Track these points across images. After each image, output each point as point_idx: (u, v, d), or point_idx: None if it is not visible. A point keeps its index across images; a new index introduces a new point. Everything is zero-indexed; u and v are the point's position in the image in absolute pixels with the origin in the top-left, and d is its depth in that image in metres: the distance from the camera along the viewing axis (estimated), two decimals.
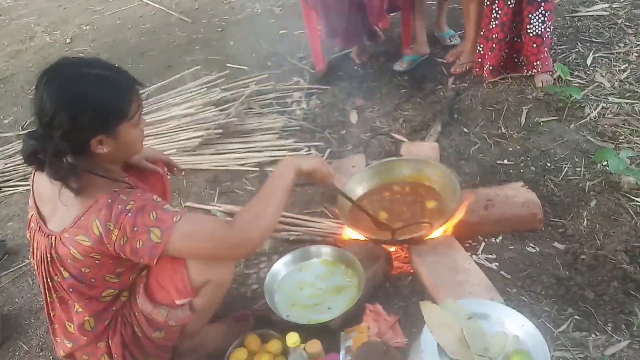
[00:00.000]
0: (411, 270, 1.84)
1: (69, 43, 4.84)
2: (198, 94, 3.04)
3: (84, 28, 5.11)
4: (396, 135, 2.54)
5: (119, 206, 1.21)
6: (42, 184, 1.33)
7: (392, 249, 1.91)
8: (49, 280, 1.35)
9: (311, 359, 1.49)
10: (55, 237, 1.27)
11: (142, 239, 1.21)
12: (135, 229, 1.20)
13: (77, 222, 1.24)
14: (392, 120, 2.73)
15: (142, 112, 1.32)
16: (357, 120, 2.79)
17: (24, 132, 3.34)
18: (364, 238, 1.89)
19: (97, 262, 1.26)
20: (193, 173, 2.62)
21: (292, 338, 1.52)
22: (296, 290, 1.78)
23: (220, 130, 2.73)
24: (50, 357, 1.86)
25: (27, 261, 2.33)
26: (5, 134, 3.44)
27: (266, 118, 2.88)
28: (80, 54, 4.47)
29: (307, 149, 2.61)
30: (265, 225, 1.33)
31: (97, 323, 1.39)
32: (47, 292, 1.38)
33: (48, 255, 1.29)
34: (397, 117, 2.76)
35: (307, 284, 1.80)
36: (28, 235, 1.41)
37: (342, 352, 1.53)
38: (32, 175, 1.40)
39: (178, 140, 2.70)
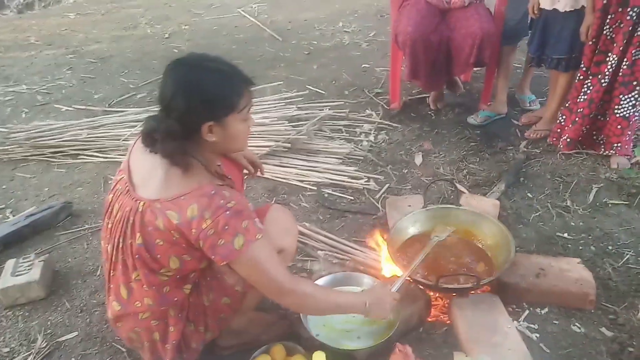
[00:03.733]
0: (448, 321, 1.82)
1: (166, 38, 5.20)
2: (275, 107, 3.18)
3: (183, 27, 5.48)
4: (458, 185, 2.53)
5: (221, 201, 1.28)
6: (140, 154, 1.43)
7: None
8: (121, 240, 1.40)
9: None
10: (145, 204, 1.33)
11: (226, 240, 1.28)
12: (226, 227, 1.27)
13: (175, 200, 1.30)
14: (456, 170, 2.73)
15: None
16: (421, 163, 2.82)
17: (110, 108, 3.64)
18: (407, 278, 1.88)
19: (174, 238, 1.31)
20: (254, 179, 2.72)
21: (319, 357, 1.54)
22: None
23: (289, 145, 2.83)
24: (88, 319, 1.96)
25: (86, 226, 2.48)
26: (93, 107, 3.72)
27: (334, 142, 2.97)
28: (174, 50, 4.79)
29: (366, 179, 2.66)
30: (309, 309, 1.58)
31: (156, 304, 1.44)
32: (115, 251, 1.44)
33: (131, 218, 1.35)
34: (462, 168, 2.75)
35: None
36: (110, 195, 1.47)
37: None
38: (133, 144, 1.49)
39: (248, 146, 2.82)
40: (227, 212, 1.27)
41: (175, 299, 1.46)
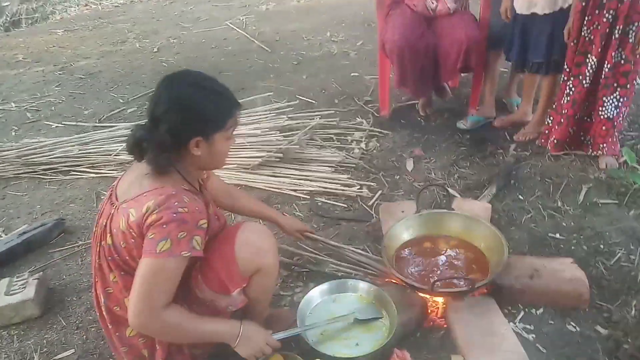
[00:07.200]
0: (444, 325, 1.83)
1: (155, 52, 5.21)
2: (266, 118, 3.19)
3: (172, 41, 5.50)
4: (450, 190, 2.56)
5: (175, 202, 1.31)
6: (131, 169, 1.49)
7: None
8: (98, 244, 1.45)
9: None
10: (117, 207, 1.40)
11: (155, 237, 1.29)
12: (164, 226, 1.29)
13: (137, 197, 1.35)
14: (447, 175, 2.76)
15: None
16: (413, 169, 2.84)
17: (100, 124, 3.64)
18: (403, 283, 1.90)
19: (132, 240, 1.35)
20: (248, 190, 2.73)
21: None
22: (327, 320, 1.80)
23: (281, 155, 2.85)
24: (84, 336, 1.95)
25: (80, 242, 2.48)
26: (84, 123, 3.71)
27: (325, 151, 2.98)
28: (163, 64, 4.80)
29: (359, 186, 2.67)
30: (169, 338, 1.47)
31: None
32: (96, 257, 1.47)
33: (105, 221, 1.42)
34: (453, 172, 2.78)
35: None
36: (101, 206, 1.51)
37: None
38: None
39: (240, 157, 2.84)
40: (174, 215, 1.29)
41: None
